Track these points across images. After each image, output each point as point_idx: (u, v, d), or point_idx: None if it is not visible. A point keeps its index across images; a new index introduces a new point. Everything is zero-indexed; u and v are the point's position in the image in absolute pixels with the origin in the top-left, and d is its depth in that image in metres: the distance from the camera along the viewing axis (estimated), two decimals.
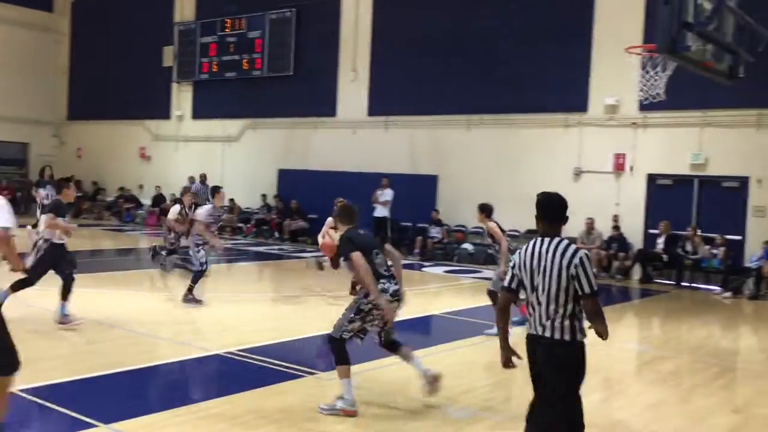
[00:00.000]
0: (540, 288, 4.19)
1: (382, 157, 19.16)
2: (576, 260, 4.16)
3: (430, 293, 13.10)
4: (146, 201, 23.95)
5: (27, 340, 5.85)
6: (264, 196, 21.43)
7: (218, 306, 10.10)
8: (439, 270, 15.74)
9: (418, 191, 18.43)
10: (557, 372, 4.17)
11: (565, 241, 4.27)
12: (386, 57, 19.47)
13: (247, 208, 21.56)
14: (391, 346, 6.10)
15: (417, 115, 18.78)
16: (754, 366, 8.56)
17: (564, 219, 4.38)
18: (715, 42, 6.41)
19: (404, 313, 10.30)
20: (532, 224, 14.29)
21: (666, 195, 15.59)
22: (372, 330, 5.93)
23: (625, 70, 14.03)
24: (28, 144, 26.85)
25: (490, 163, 17.60)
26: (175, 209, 12.86)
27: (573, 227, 16.10)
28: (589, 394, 6.94)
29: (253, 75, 22.00)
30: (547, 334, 4.16)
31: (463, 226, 17.89)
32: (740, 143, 14.61)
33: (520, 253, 4.35)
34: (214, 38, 22.86)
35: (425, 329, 10.14)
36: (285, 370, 6.97)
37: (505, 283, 4.40)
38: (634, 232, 15.74)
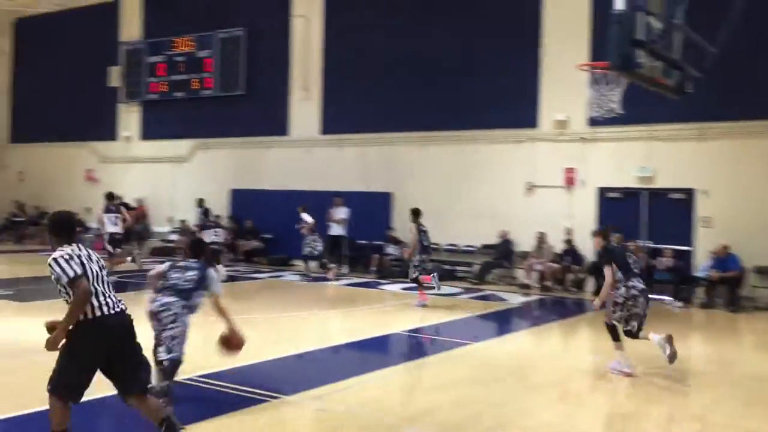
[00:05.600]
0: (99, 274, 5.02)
1: (335, 175, 19.12)
2: None
3: (388, 311, 13.05)
4: (94, 224, 23.31)
5: None
6: (217, 216, 21.10)
7: None
8: (396, 287, 15.70)
9: (371, 209, 18.40)
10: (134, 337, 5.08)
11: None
12: (338, 75, 19.48)
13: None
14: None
15: (370, 133, 18.79)
16: (708, 375, 8.71)
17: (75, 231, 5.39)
18: (664, 59, 6.59)
19: (364, 333, 10.33)
20: (489, 238, 14.28)
21: (616, 207, 15.89)
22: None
23: (574, 87, 14.29)
24: None
25: (445, 180, 17.70)
26: None
27: (526, 241, 16.30)
28: (551, 407, 7.01)
29: (203, 95, 21.73)
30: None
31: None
32: (684, 156, 15.03)
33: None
34: (162, 58, 22.55)
35: (386, 348, 10.07)
36: (246, 394, 6.81)
37: (79, 271, 4.78)
38: (586, 244, 15.97)
